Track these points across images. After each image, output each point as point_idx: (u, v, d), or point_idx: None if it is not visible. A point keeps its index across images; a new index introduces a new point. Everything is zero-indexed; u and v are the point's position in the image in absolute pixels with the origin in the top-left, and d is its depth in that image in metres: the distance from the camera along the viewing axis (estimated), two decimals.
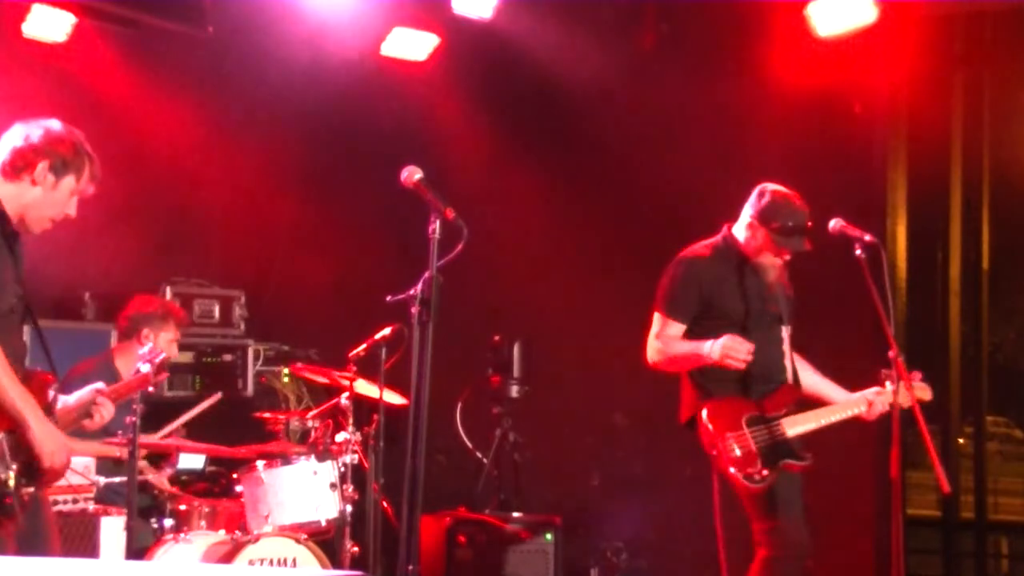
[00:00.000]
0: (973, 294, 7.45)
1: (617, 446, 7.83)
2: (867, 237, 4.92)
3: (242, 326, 7.57)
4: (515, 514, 6.90)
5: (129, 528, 4.93)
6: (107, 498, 5.63)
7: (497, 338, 7.46)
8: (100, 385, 4.38)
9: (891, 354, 4.91)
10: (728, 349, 5.07)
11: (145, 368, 4.53)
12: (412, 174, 4.16)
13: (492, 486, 7.31)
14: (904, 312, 7.28)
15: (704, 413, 5.19)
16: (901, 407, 4.92)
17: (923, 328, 7.65)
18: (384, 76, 7.82)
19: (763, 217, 5.19)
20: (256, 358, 7.51)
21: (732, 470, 5.09)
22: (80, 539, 5.36)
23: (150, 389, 4.56)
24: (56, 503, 5.34)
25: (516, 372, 7.39)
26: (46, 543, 4.22)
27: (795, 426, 5.17)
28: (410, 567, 3.96)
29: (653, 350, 5.32)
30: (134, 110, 7.35)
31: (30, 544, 4.03)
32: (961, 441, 7.66)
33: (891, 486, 4.72)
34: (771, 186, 5.26)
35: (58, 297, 7.37)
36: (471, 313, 7.34)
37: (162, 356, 4.60)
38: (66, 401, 4.29)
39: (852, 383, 5.41)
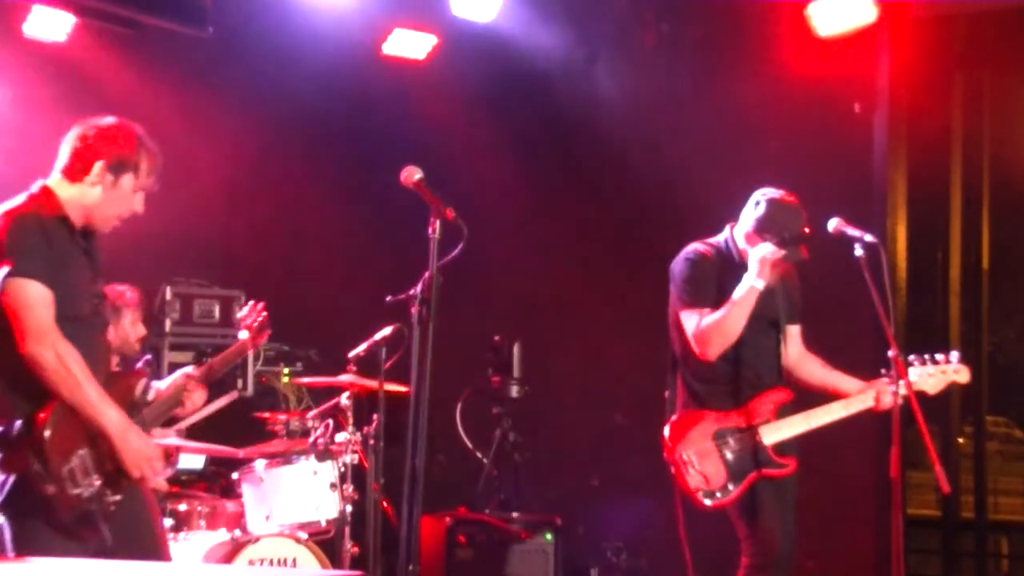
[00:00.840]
0: (973, 294, 7.45)
1: (617, 446, 7.83)
2: (867, 237, 4.91)
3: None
4: (515, 514, 6.90)
5: None
6: None
7: (497, 338, 7.46)
8: (189, 369, 4.37)
9: (891, 354, 4.91)
10: (764, 253, 5.02)
11: (244, 335, 4.49)
12: (412, 174, 4.16)
13: (492, 486, 7.31)
14: (904, 312, 7.28)
15: (666, 430, 5.19)
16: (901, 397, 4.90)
17: (923, 328, 7.66)
18: (384, 76, 7.82)
19: (759, 228, 5.17)
20: (256, 358, 7.51)
21: (687, 488, 5.09)
22: None
23: (250, 353, 4.50)
24: None
25: (516, 372, 7.39)
26: (143, 543, 4.18)
27: (777, 432, 5.13)
28: (410, 567, 3.96)
29: (705, 336, 5.12)
30: (134, 110, 7.31)
31: (126, 548, 4.00)
32: (961, 441, 7.66)
33: (891, 486, 4.72)
34: (768, 194, 5.21)
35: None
36: (471, 313, 7.35)
37: (261, 317, 4.53)
38: (158, 388, 4.27)
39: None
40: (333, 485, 5.89)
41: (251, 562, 5.52)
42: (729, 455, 5.10)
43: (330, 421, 6.07)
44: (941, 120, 7.45)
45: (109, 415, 3.90)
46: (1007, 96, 7.45)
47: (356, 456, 5.98)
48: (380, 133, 7.98)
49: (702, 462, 5.10)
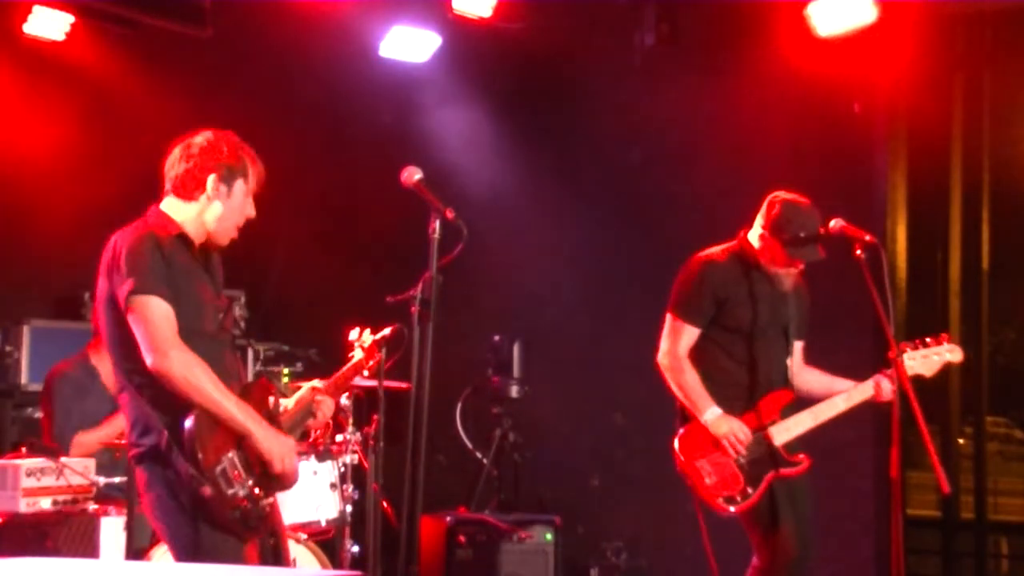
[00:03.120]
0: (973, 294, 7.45)
1: (617, 446, 7.83)
2: (867, 237, 4.90)
3: (242, 326, 7.57)
4: (515, 514, 6.90)
5: (129, 528, 4.94)
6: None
7: (497, 338, 7.46)
8: (316, 383, 4.39)
9: (891, 354, 4.91)
10: (732, 434, 5.08)
11: (358, 354, 4.51)
12: (412, 174, 4.16)
13: (492, 486, 7.31)
14: (904, 312, 7.28)
15: (676, 442, 5.21)
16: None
17: (923, 328, 7.63)
18: (384, 76, 7.82)
19: (774, 229, 5.18)
20: (256, 358, 7.51)
21: (708, 497, 5.11)
22: (80, 539, 5.35)
23: (364, 374, 4.52)
24: (56, 503, 5.34)
25: (516, 372, 7.39)
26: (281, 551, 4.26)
27: (786, 432, 5.16)
28: (410, 567, 3.96)
29: (667, 359, 5.25)
30: (134, 110, 7.35)
31: (272, 555, 4.09)
32: (961, 441, 7.66)
33: (891, 486, 4.72)
34: (782, 195, 5.23)
35: (58, 297, 7.38)
36: (471, 313, 7.35)
37: (371, 339, 4.57)
38: (286, 406, 4.29)
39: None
40: (333, 485, 5.89)
41: None
42: (743, 459, 5.12)
43: (330, 421, 6.06)
44: (941, 120, 7.45)
45: (245, 415, 3.94)
46: (1007, 96, 7.45)
47: (356, 456, 5.98)
48: (380, 133, 7.97)
49: (717, 469, 5.12)
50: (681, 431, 5.24)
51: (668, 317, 5.30)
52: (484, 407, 7.46)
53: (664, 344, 5.29)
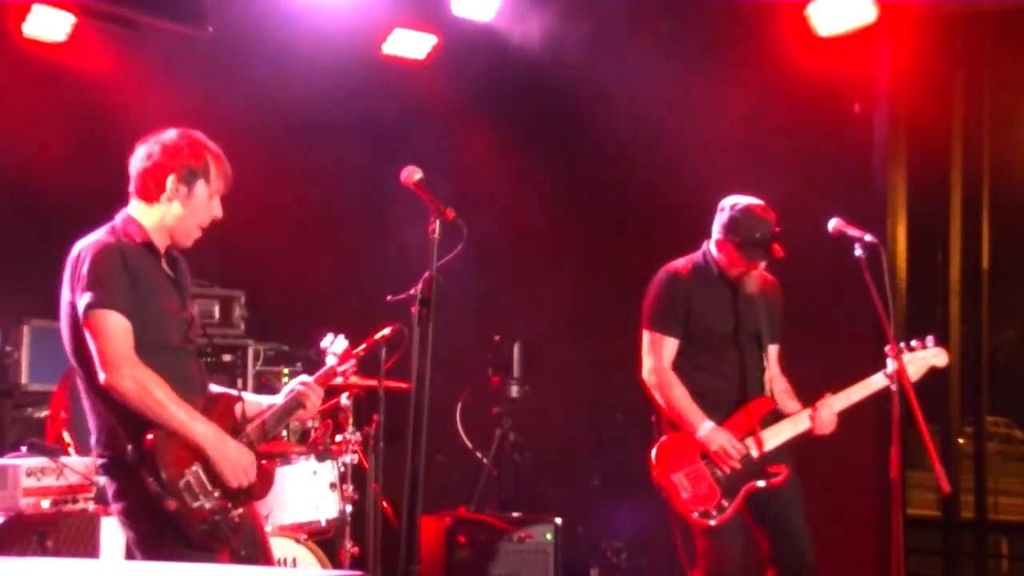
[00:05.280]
0: (973, 294, 7.45)
1: (617, 446, 7.82)
2: (867, 237, 4.91)
3: (242, 326, 7.56)
4: (515, 514, 6.90)
5: None
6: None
7: (497, 338, 7.46)
8: (305, 377, 4.38)
9: (891, 351, 4.91)
10: (724, 450, 5.07)
11: (331, 361, 4.52)
12: (412, 174, 4.16)
13: (492, 486, 7.31)
14: (904, 312, 7.28)
15: (653, 453, 5.22)
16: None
17: (923, 328, 7.61)
18: (384, 76, 7.82)
19: (726, 232, 5.19)
20: (256, 358, 7.51)
21: (683, 510, 5.10)
22: (80, 539, 5.35)
23: (338, 380, 4.52)
24: (56, 503, 5.34)
25: (516, 372, 7.39)
26: (258, 551, 4.23)
27: (764, 443, 5.15)
28: (410, 567, 3.96)
29: (653, 375, 5.27)
30: (133, 110, 7.34)
31: (251, 558, 4.08)
32: (961, 441, 7.66)
33: (891, 486, 4.72)
34: (731, 199, 5.25)
35: (58, 297, 7.36)
36: (471, 313, 7.35)
37: (344, 346, 4.55)
38: (274, 402, 4.28)
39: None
40: (333, 485, 5.89)
41: None
42: (719, 472, 5.10)
43: (330, 421, 6.07)
44: (941, 120, 7.45)
45: (199, 429, 3.91)
46: (1007, 96, 7.45)
47: (356, 456, 5.98)
48: (380, 133, 7.97)
49: (693, 483, 5.12)
50: (658, 443, 5.24)
51: (645, 334, 5.32)
52: (484, 407, 7.45)
53: (648, 361, 5.29)
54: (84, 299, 3.86)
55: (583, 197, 7.97)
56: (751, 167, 7.08)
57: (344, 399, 5.99)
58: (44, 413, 6.62)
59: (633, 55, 7.65)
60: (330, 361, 4.54)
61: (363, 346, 4.86)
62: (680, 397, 5.18)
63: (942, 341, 5.34)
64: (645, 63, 7.62)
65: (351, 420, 6.00)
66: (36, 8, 6.77)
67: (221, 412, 4.07)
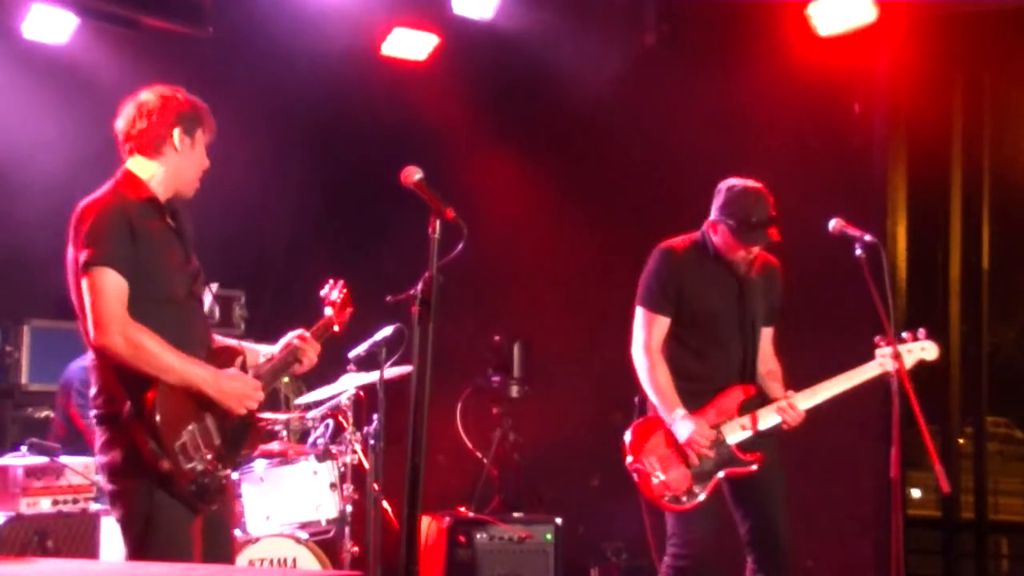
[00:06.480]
0: (973, 294, 7.45)
1: (617, 446, 7.82)
2: (867, 237, 4.90)
3: (242, 326, 7.57)
4: (515, 514, 6.90)
5: None
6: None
7: (497, 338, 7.46)
8: (301, 331, 4.38)
9: (891, 354, 4.91)
10: (693, 440, 5.03)
11: (329, 311, 4.52)
12: (412, 174, 4.16)
13: (492, 486, 7.31)
14: (904, 312, 7.28)
15: (627, 435, 5.19)
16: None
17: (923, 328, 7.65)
18: (384, 76, 7.82)
19: (721, 214, 5.17)
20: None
21: (654, 495, 5.09)
22: (80, 539, 5.36)
23: (335, 329, 4.51)
24: (56, 503, 5.35)
25: (516, 372, 7.39)
26: (227, 524, 4.27)
27: (739, 431, 5.12)
28: (410, 567, 3.96)
29: (642, 354, 5.20)
30: None
31: (216, 525, 4.08)
32: (961, 441, 7.66)
33: (891, 486, 4.72)
34: (729, 181, 5.22)
35: (58, 297, 7.35)
36: (471, 313, 7.35)
37: (340, 295, 4.55)
38: (272, 351, 4.30)
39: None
40: (333, 485, 5.89)
41: (251, 562, 5.52)
42: (692, 458, 5.10)
43: (330, 421, 6.07)
44: (941, 120, 7.45)
45: (197, 372, 3.96)
46: (1007, 96, 7.45)
47: (356, 456, 5.98)
48: (380, 133, 7.97)
49: (665, 468, 5.09)
50: (633, 425, 5.22)
51: (638, 310, 5.26)
52: (484, 407, 7.46)
53: (638, 337, 5.23)
54: (82, 256, 3.90)
55: (583, 196, 7.97)
56: (751, 167, 7.07)
57: (344, 399, 5.99)
58: (44, 413, 6.64)
59: (633, 55, 7.65)
60: (327, 312, 4.55)
61: (363, 345, 4.87)
62: (661, 381, 5.13)
63: (942, 341, 5.33)
64: (645, 63, 7.62)
65: (351, 420, 6.00)
66: (36, 8, 6.77)
67: (222, 364, 4.11)
